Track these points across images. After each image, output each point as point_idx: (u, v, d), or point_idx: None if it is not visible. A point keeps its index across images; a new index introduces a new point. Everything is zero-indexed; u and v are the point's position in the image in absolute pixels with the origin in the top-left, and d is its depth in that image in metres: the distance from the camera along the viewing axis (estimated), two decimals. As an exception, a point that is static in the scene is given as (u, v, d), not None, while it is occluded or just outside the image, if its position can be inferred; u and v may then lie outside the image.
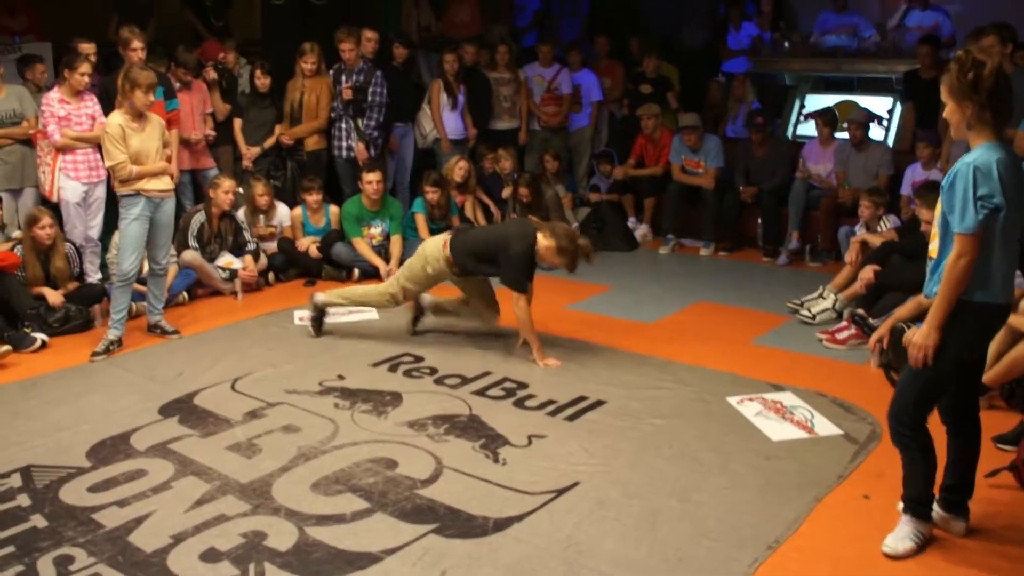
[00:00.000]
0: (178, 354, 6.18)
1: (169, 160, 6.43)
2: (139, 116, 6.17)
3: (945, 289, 3.41)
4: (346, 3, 9.62)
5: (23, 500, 4.19)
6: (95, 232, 7.33)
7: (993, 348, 4.97)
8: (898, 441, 3.67)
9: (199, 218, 7.55)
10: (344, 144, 8.73)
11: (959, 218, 3.34)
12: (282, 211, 8.24)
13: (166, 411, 5.20)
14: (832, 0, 10.75)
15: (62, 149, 7.08)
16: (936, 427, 3.73)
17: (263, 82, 8.59)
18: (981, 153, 3.37)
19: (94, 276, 7.24)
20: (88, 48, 7.58)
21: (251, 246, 7.74)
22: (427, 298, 6.55)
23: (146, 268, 6.58)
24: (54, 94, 7.09)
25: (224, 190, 7.52)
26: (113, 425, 4.99)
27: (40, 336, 6.31)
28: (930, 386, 3.57)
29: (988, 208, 3.30)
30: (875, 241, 6.76)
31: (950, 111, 3.46)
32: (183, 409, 5.22)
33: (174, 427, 4.98)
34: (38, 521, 4.00)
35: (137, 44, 7.36)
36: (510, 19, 11.43)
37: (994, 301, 3.45)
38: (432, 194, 8.33)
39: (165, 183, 6.30)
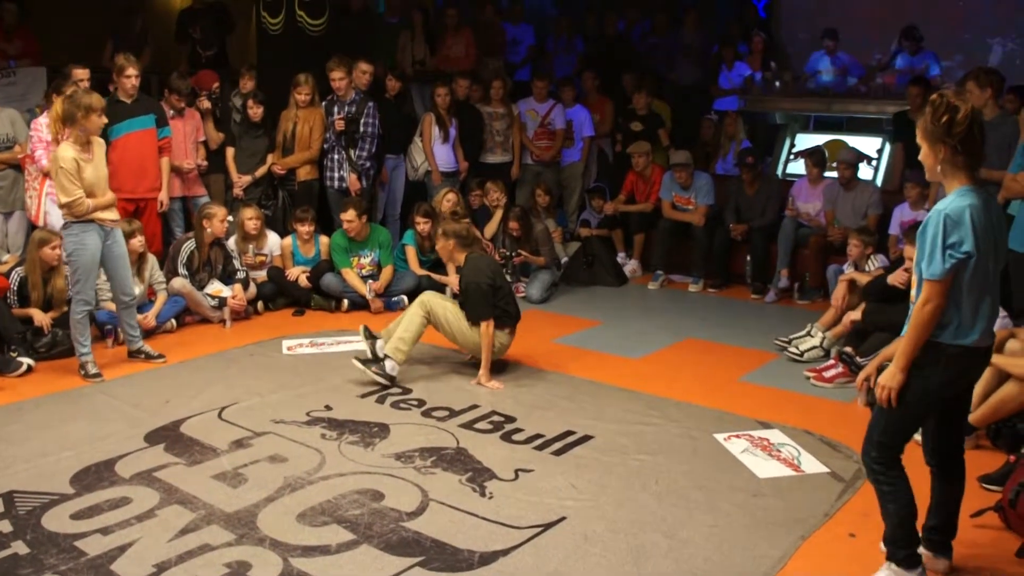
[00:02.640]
0: (165, 381, 6.16)
1: (160, 187, 6.43)
2: (86, 144, 6.03)
3: (911, 332, 3.45)
4: (342, 34, 9.68)
5: (4, 526, 4.15)
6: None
7: (979, 388, 5.01)
8: (870, 477, 3.70)
9: (189, 246, 7.55)
10: (336, 175, 8.75)
11: (927, 264, 3.40)
12: (272, 240, 8.24)
13: (152, 438, 5.17)
14: (823, 41, 10.88)
15: (49, 174, 7.07)
16: (920, 467, 3.74)
17: (256, 112, 8.62)
18: (953, 200, 3.41)
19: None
20: (82, 73, 7.54)
21: (241, 274, 7.73)
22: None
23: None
24: (43, 119, 7.09)
25: (220, 219, 7.54)
26: (98, 452, 4.96)
27: (26, 360, 6.29)
28: (898, 424, 3.57)
29: (956, 257, 3.34)
30: (862, 280, 6.80)
31: (924, 154, 3.51)
32: (169, 437, 5.20)
33: (160, 455, 4.95)
34: (19, 548, 3.96)
35: (132, 71, 7.38)
36: (504, 54, 11.51)
37: (968, 344, 3.45)
38: (423, 225, 8.35)
39: (113, 213, 6.22)
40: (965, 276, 3.39)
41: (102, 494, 4.47)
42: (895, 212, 8.05)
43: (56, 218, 7.10)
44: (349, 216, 8.00)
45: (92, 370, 6.17)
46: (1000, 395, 4.93)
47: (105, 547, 3.97)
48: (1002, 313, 5.48)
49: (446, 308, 6.28)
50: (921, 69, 9.93)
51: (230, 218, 7.95)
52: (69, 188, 5.92)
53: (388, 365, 6.11)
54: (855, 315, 6.42)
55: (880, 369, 3.66)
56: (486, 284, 6.20)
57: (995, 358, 4.96)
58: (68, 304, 6.90)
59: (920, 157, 3.54)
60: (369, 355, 6.20)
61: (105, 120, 6.10)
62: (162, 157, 7.74)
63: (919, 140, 3.52)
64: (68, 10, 10.29)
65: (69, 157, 5.91)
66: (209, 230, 7.53)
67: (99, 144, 6.18)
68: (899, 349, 3.50)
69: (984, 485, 4.56)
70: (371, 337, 6.28)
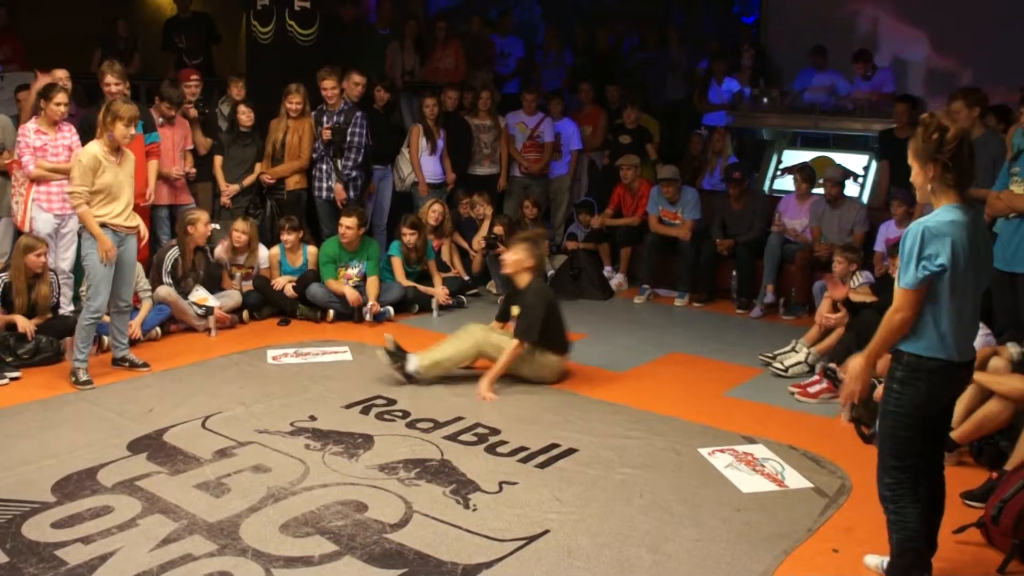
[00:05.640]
0: (149, 390, 6.14)
1: (146, 196, 6.44)
2: (117, 150, 6.17)
3: (878, 334, 3.53)
4: (332, 44, 9.68)
5: (-15, 534, 4.13)
6: (67, 264, 7.27)
7: (962, 406, 5.03)
8: (881, 504, 3.68)
9: (173, 253, 7.53)
10: (324, 185, 8.75)
11: (902, 273, 3.45)
12: (261, 252, 8.22)
13: (135, 447, 5.14)
14: (812, 58, 10.95)
15: (36, 180, 7.04)
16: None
17: (247, 116, 8.61)
18: (938, 214, 3.46)
19: (67, 308, 7.18)
20: (60, 74, 7.47)
21: (235, 295, 7.79)
22: None
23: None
24: (31, 124, 7.06)
25: (203, 223, 7.54)
26: (80, 460, 4.93)
27: (9, 375, 6.24)
28: (898, 443, 3.57)
29: (930, 269, 3.38)
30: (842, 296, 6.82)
31: (915, 174, 3.54)
32: (152, 446, 5.17)
33: (142, 464, 4.93)
34: (-1, 556, 3.94)
35: (110, 79, 7.33)
36: (493, 66, 11.54)
37: (948, 358, 3.47)
38: (410, 236, 8.35)
39: (132, 220, 6.28)
40: (943, 290, 3.42)
41: (84, 503, 4.45)
42: (881, 229, 8.09)
43: (42, 224, 7.08)
44: (351, 223, 7.99)
45: (83, 377, 6.15)
46: (983, 412, 4.95)
47: (86, 556, 3.94)
48: (985, 331, 5.51)
49: (500, 342, 6.39)
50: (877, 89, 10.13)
51: (216, 225, 7.94)
52: (77, 179, 6.06)
53: (412, 362, 6.29)
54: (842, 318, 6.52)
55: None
56: (544, 311, 6.35)
57: (978, 376, 4.98)
58: (52, 311, 6.88)
59: (911, 178, 3.57)
60: (392, 347, 6.36)
61: (132, 131, 6.18)
62: (150, 160, 7.72)
63: (910, 160, 3.55)
64: (53, 15, 10.29)
65: (92, 153, 6.08)
66: (193, 236, 7.51)
67: (129, 156, 6.31)
68: (870, 345, 3.58)
69: (966, 502, 4.58)
70: (399, 352, 6.36)
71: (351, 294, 7.93)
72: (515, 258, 6.60)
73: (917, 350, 3.48)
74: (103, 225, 6.10)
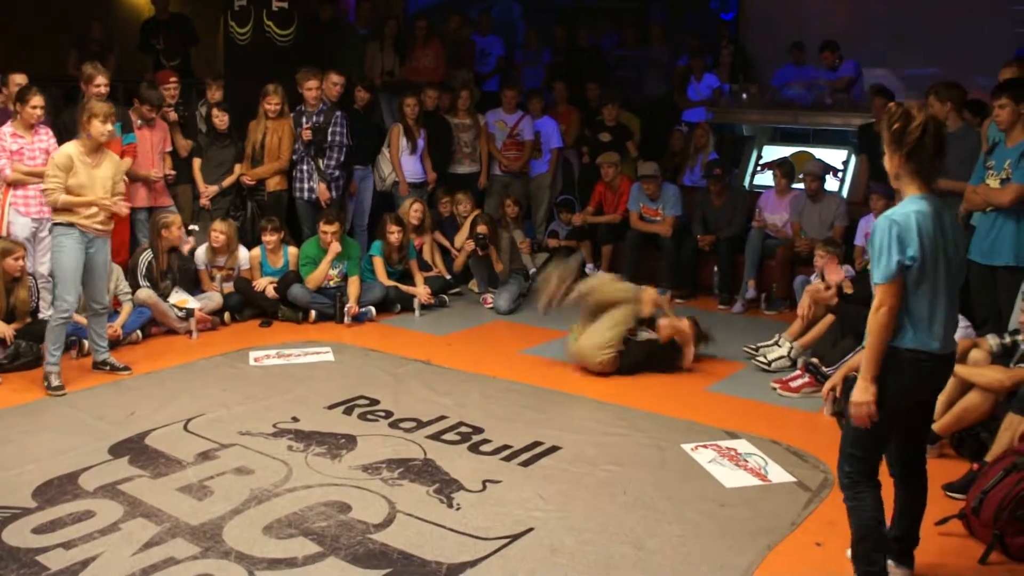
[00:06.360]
0: (130, 393, 6.11)
1: (125, 196, 6.38)
2: (95, 150, 6.14)
3: (871, 339, 3.48)
4: (311, 45, 9.64)
5: (-35, 541, 4.10)
6: (45, 268, 7.20)
7: (943, 398, 5.05)
8: (841, 491, 3.69)
9: (146, 256, 7.50)
10: (305, 186, 8.72)
11: (875, 269, 3.44)
12: (241, 253, 8.19)
13: (116, 451, 5.12)
14: (791, 54, 10.98)
15: (13, 184, 6.99)
16: (883, 476, 3.76)
17: (222, 120, 8.57)
18: (903, 205, 3.47)
19: (46, 312, 7.12)
20: (19, 79, 7.40)
21: (216, 297, 7.76)
22: None
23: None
24: (7, 128, 7.00)
25: (176, 226, 7.53)
26: (61, 465, 4.90)
27: None
28: (867, 435, 3.55)
29: (902, 261, 3.37)
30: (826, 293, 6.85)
31: (886, 160, 3.56)
32: (134, 449, 5.15)
33: (124, 467, 4.90)
34: (-20, 563, 3.91)
35: (101, 80, 7.33)
36: (473, 65, 11.52)
37: (925, 348, 3.47)
38: (395, 234, 8.33)
39: (102, 222, 6.21)
40: (912, 281, 3.43)
41: (65, 507, 4.42)
42: (861, 223, 8.11)
43: (19, 228, 7.03)
44: (334, 228, 8.02)
45: (55, 382, 6.09)
46: (963, 404, 4.98)
47: (67, 562, 3.92)
48: (965, 323, 5.54)
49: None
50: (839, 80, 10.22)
51: (194, 227, 7.90)
52: (49, 177, 6.05)
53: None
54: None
55: (846, 379, 3.68)
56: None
57: (958, 368, 5.01)
58: (32, 315, 6.83)
59: (885, 164, 3.58)
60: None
61: (110, 128, 6.17)
62: (123, 158, 7.68)
63: (884, 147, 3.56)
64: (25, 17, 10.23)
65: (66, 153, 6.09)
66: (167, 238, 7.48)
67: (112, 160, 6.30)
68: (863, 360, 3.52)
69: (948, 493, 4.61)
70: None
71: (347, 316, 7.93)
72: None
73: (894, 342, 3.47)
74: (70, 224, 6.06)
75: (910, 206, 3.45)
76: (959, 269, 3.60)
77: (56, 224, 6.14)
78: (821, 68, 10.62)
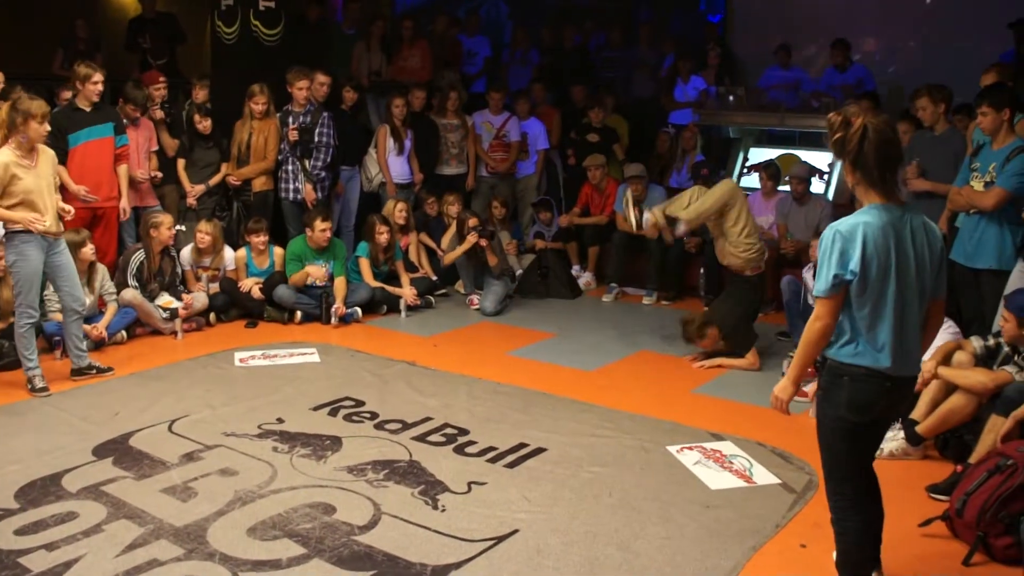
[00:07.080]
0: (114, 394, 6.08)
1: (120, 195, 6.30)
2: (30, 151, 5.86)
3: (801, 348, 3.42)
4: (298, 44, 9.62)
5: (-53, 542, 4.07)
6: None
7: (927, 399, 5.09)
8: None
9: (138, 256, 7.46)
10: (291, 186, 8.70)
11: (816, 281, 3.34)
12: (227, 254, 8.17)
13: (100, 452, 5.09)
14: (777, 56, 11.01)
15: None
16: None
17: (204, 125, 8.54)
18: (854, 216, 3.33)
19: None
20: None
21: (202, 297, 7.73)
22: None
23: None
24: None
25: (167, 226, 7.49)
26: (44, 466, 4.87)
27: None
28: (828, 459, 3.50)
29: (838, 275, 3.25)
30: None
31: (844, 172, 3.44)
32: (118, 450, 5.12)
33: (108, 468, 4.88)
34: (-39, 564, 3.89)
35: (98, 78, 7.31)
36: (460, 66, 11.52)
37: (873, 365, 3.32)
38: (384, 234, 8.31)
39: (55, 224, 5.98)
40: (855, 295, 3.30)
41: (48, 509, 4.40)
42: (845, 225, 8.12)
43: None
44: (326, 226, 8.02)
45: (39, 384, 6.05)
46: (947, 406, 5.00)
47: (50, 563, 3.90)
48: (949, 325, 5.55)
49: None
50: (854, 84, 10.13)
51: (181, 227, 7.87)
52: None
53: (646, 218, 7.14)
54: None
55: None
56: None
57: (941, 370, 5.05)
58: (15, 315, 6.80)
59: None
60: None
61: (47, 128, 5.91)
62: (119, 165, 7.65)
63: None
64: (8, 15, 10.18)
65: (1, 162, 5.75)
66: (157, 238, 7.45)
67: (45, 153, 6.01)
68: (791, 367, 3.50)
69: (932, 495, 4.63)
70: None
71: (316, 271, 7.93)
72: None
73: (837, 356, 3.37)
74: (28, 231, 5.82)
75: (861, 217, 3.30)
76: (930, 279, 3.39)
77: (15, 233, 5.87)
78: (830, 68, 10.59)
